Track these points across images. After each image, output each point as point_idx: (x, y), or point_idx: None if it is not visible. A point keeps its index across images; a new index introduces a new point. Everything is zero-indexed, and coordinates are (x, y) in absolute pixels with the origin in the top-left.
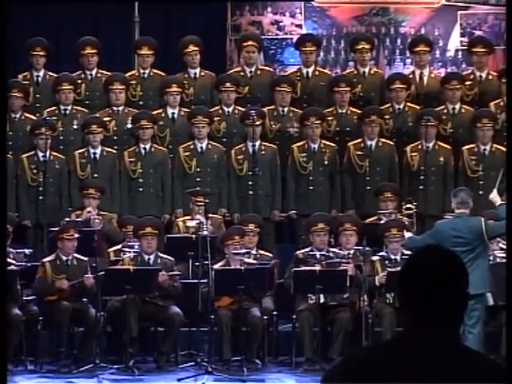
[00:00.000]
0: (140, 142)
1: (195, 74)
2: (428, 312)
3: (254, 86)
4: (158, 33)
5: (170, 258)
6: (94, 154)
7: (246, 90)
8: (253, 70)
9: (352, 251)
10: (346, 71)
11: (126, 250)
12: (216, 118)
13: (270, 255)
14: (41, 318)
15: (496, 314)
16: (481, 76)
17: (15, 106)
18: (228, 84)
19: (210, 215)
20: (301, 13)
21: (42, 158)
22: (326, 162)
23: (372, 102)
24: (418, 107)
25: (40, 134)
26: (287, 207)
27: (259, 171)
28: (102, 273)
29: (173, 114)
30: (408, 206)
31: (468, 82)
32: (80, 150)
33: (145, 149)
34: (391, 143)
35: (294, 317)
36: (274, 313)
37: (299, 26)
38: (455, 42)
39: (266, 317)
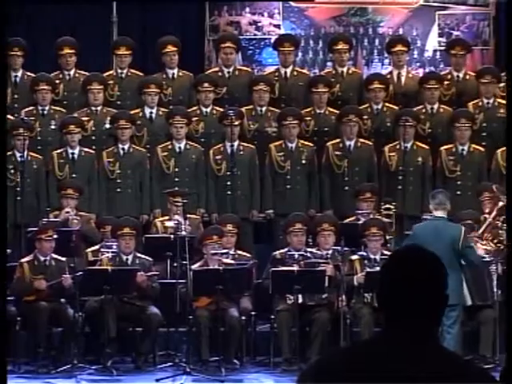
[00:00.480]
0: (118, 143)
1: (173, 74)
2: (406, 313)
3: (232, 86)
4: (136, 33)
5: (148, 258)
6: (72, 154)
7: (224, 90)
8: (231, 70)
9: (330, 251)
10: (324, 71)
11: (104, 250)
12: (194, 119)
13: (249, 255)
14: (19, 319)
15: (473, 313)
16: (458, 76)
17: None
18: (206, 84)
19: (188, 215)
20: (279, 13)
21: (19, 159)
22: (303, 162)
23: (350, 102)
24: (396, 107)
25: (18, 134)
26: (265, 207)
27: (237, 171)
28: (80, 273)
29: (151, 113)
30: (387, 206)
31: (446, 82)
32: (58, 151)
33: (123, 149)
34: (370, 143)
35: (273, 317)
36: (252, 313)
37: (277, 26)
38: (433, 42)
39: (244, 317)
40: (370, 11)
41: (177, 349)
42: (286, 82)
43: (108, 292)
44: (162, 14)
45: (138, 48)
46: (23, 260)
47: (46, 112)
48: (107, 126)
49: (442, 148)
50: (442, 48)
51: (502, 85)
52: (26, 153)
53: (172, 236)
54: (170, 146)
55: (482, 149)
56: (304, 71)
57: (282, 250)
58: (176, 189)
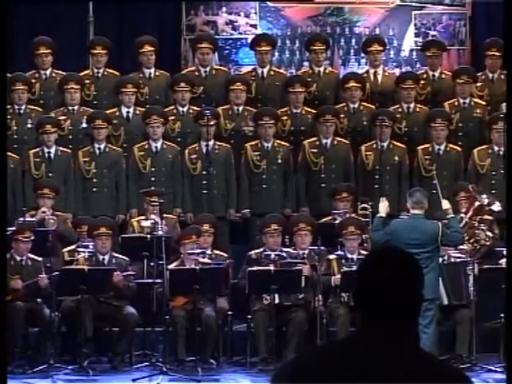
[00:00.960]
0: (95, 142)
1: (150, 73)
2: (382, 312)
3: (209, 85)
4: (112, 33)
5: (124, 258)
6: (49, 153)
7: (200, 89)
8: (207, 69)
9: (307, 251)
10: (300, 71)
11: (81, 250)
12: (170, 118)
13: (225, 255)
14: None
15: (450, 313)
16: (434, 75)
17: None
18: (182, 84)
19: (165, 215)
20: (255, 13)
21: None
22: (279, 161)
23: (327, 102)
24: (372, 106)
25: None
26: (241, 206)
27: (213, 171)
28: (57, 273)
29: (127, 113)
30: (363, 205)
31: (422, 82)
32: (34, 150)
33: (99, 149)
34: (346, 142)
35: (249, 317)
36: (229, 313)
37: (254, 26)
38: (410, 41)
39: (220, 317)
40: (347, 11)
41: (153, 349)
42: (262, 82)
43: (84, 292)
44: (139, 14)
45: (114, 47)
46: None
47: (22, 111)
48: (84, 125)
49: (418, 148)
50: (419, 48)
51: (478, 84)
52: None
53: (148, 236)
54: (146, 146)
55: (458, 148)
56: (281, 71)
57: (257, 250)
58: (152, 188)
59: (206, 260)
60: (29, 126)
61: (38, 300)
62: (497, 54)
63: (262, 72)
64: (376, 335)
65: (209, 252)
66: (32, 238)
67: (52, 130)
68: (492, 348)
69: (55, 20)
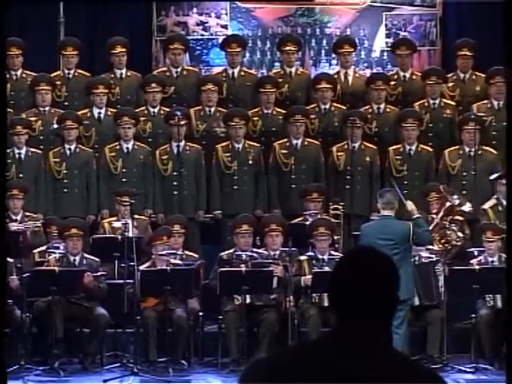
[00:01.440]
0: (65, 143)
1: (121, 74)
2: (357, 313)
3: (180, 86)
4: (83, 33)
5: (95, 258)
6: (19, 154)
7: (171, 90)
8: (179, 70)
9: (278, 252)
10: (272, 72)
11: (51, 251)
12: (142, 119)
13: (196, 256)
14: None
15: (421, 313)
16: (405, 76)
17: None
18: (153, 84)
19: (137, 216)
20: (226, 13)
21: None
22: (250, 162)
23: (299, 102)
24: (343, 107)
25: None
26: (212, 207)
27: (184, 172)
28: (27, 274)
29: (99, 114)
30: (335, 206)
31: (392, 82)
32: None
33: (70, 149)
34: (317, 142)
35: (220, 317)
36: (200, 313)
37: (225, 26)
38: (380, 42)
39: (191, 317)
40: (318, 12)
41: (124, 349)
42: (233, 83)
43: (55, 293)
44: (109, 15)
45: (85, 48)
46: None
47: None
48: (55, 126)
49: (389, 148)
50: (389, 48)
51: (450, 85)
52: None
53: (120, 237)
54: (117, 147)
55: (429, 149)
56: (251, 72)
57: (228, 251)
58: (123, 189)
59: (177, 261)
60: None
61: (9, 301)
62: (468, 54)
63: (233, 73)
64: (349, 335)
65: (180, 253)
66: None
67: (23, 132)
68: (463, 348)
69: (26, 20)
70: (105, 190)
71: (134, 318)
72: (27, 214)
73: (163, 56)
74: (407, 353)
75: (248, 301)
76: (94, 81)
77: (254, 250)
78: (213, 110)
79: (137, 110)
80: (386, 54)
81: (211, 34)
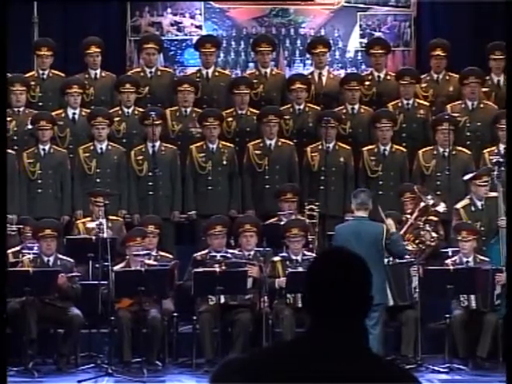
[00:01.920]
0: (39, 143)
1: (96, 74)
2: (331, 313)
3: (154, 86)
4: (58, 33)
5: (69, 259)
6: None
7: (145, 90)
8: (153, 70)
9: (252, 252)
10: (247, 72)
11: (25, 251)
12: (116, 119)
13: (170, 256)
14: None
15: (395, 314)
16: (379, 76)
17: None
18: (128, 85)
19: (111, 217)
20: (200, 14)
21: None
22: (224, 163)
23: (273, 103)
24: (318, 108)
25: None
26: (187, 208)
27: (159, 172)
28: None
29: (73, 114)
30: (310, 206)
31: (367, 83)
32: None
33: (44, 150)
34: (291, 143)
35: (195, 318)
36: (175, 314)
37: (199, 27)
38: (355, 43)
39: (166, 318)
40: (292, 12)
41: (99, 350)
42: (207, 83)
43: (29, 293)
44: (84, 15)
45: (60, 49)
46: None
47: None
48: (29, 126)
49: (363, 149)
50: (363, 49)
51: (423, 85)
52: None
53: (94, 237)
54: (91, 147)
55: (403, 149)
56: (226, 72)
57: (202, 252)
58: (98, 189)
59: (151, 261)
60: None
61: None
62: (441, 54)
63: (207, 73)
64: (324, 336)
65: (154, 253)
66: None
67: None
68: (437, 349)
69: None
70: (79, 190)
71: (109, 318)
72: None
73: (137, 56)
74: (382, 353)
75: (222, 301)
76: (69, 81)
77: (228, 250)
78: (189, 110)
79: (111, 111)
80: (360, 54)
81: (185, 35)
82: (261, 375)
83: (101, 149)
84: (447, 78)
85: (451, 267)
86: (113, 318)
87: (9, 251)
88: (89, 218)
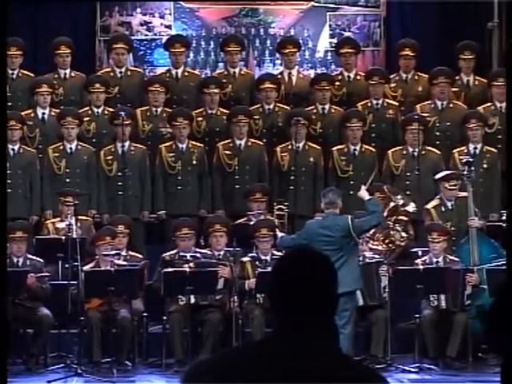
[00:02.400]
0: (8, 143)
1: (65, 74)
2: (297, 313)
3: (124, 86)
4: (27, 33)
5: (39, 259)
6: None
7: (115, 90)
8: (123, 70)
9: (222, 252)
10: (216, 72)
11: None
12: (85, 119)
13: (140, 256)
14: None
15: (365, 314)
16: (349, 76)
17: None
18: (97, 85)
19: (80, 217)
20: (170, 14)
21: None
22: (194, 162)
23: (242, 103)
24: (287, 107)
25: None
26: (157, 208)
27: (129, 172)
28: None
29: (43, 114)
30: (279, 206)
31: (337, 83)
32: None
33: (13, 150)
34: (260, 143)
35: (165, 318)
36: (144, 314)
37: (168, 26)
38: (324, 43)
39: (136, 318)
40: (262, 12)
41: (68, 350)
42: (177, 83)
43: None
44: (53, 15)
45: (29, 48)
46: None
47: None
48: None
49: (333, 148)
50: (333, 49)
51: (392, 85)
52: None
53: (63, 237)
54: (61, 147)
55: (373, 149)
56: (195, 72)
57: (171, 252)
58: (67, 189)
59: (121, 261)
60: None
61: None
62: (410, 54)
63: (177, 73)
64: (292, 334)
65: (124, 253)
66: None
67: None
68: (407, 348)
69: None
70: (48, 190)
71: (78, 318)
72: None
73: (107, 56)
74: (352, 353)
75: (192, 301)
76: (38, 81)
77: (198, 250)
78: (159, 110)
79: (81, 111)
80: (329, 54)
81: (155, 34)
82: (231, 375)
83: (70, 149)
84: (416, 77)
85: (421, 267)
86: (82, 318)
87: None
88: (58, 218)
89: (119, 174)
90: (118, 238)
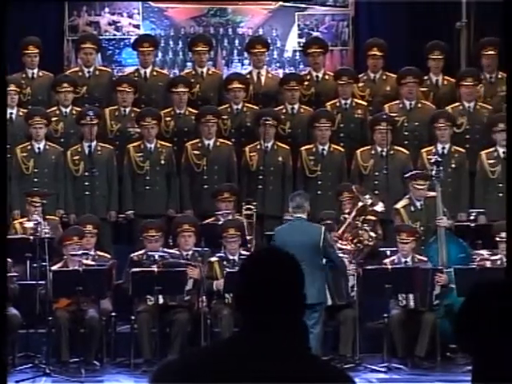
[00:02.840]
0: None
1: (33, 74)
2: (263, 313)
3: (92, 86)
4: None
5: (7, 259)
6: None
7: (83, 90)
8: (91, 70)
9: (190, 252)
10: (184, 72)
11: None
12: (53, 119)
13: (108, 256)
14: None
15: (334, 313)
16: (317, 76)
17: None
18: (65, 84)
19: (48, 216)
20: (138, 13)
21: None
22: (162, 162)
23: (210, 102)
24: (256, 107)
25: None
26: (125, 207)
27: (96, 172)
28: None
29: (10, 114)
30: (248, 206)
31: (305, 83)
32: None
33: None
34: (229, 143)
35: (133, 318)
36: (113, 314)
37: (137, 26)
38: (293, 42)
39: (104, 318)
40: (230, 12)
41: (36, 350)
42: (145, 83)
43: None
44: (21, 14)
45: None
46: None
47: None
48: None
49: (302, 148)
50: (301, 49)
51: (360, 85)
52: None
53: (31, 237)
54: (29, 147)
55: (341, 149)
56: (164, 71)
57: (139, 252)
58: (35, 189)
59: (89, 261)
60: None
61: None
62: (378, 54)
63: (145, 72)
64: (259, 335)
65: (92, 253)
66: None
67: None
68: (375, 348)
69: None
70: (16, 190)
71: (46, 318)
72: None
73: (75, 56)
74: (320, 352)
75: (161, 301)
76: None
77: (166, 250)
78: (128, 110)
79: (48, 110)
80: (298, 54)
81: (123, 34)
82: (199, 375)
83: (38, 148)
84: (384, 77)
85: (389, 267)
86: (50, 318)
87: None
88: (26, 218)
89: (86, 173)
90: (86, 237)
